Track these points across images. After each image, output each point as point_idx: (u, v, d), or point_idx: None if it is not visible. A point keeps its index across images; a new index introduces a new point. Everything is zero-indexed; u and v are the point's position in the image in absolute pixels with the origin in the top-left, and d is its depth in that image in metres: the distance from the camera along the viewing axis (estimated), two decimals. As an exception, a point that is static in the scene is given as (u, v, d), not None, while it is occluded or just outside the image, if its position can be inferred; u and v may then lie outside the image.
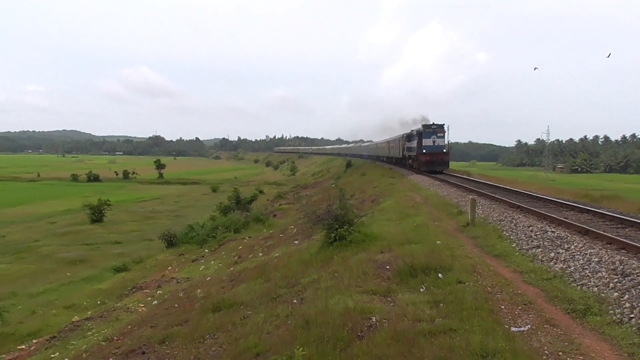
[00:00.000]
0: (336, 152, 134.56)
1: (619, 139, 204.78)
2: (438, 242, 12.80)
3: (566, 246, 11.44)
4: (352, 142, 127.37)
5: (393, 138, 62.18)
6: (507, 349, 6.06)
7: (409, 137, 48.16)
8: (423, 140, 40.76)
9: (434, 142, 40.53)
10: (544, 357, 6.07)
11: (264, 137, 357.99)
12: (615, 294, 8.09)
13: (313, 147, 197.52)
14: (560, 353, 6.21)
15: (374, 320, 7.66)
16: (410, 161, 48.18)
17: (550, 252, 11.22)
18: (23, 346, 15.94)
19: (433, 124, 41.63)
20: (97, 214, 46.97)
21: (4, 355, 14.60)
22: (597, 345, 6.45)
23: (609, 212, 16.32)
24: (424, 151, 40.63)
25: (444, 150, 41.11)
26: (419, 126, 43.52)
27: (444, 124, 41.53)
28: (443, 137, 40.98)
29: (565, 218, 14.91)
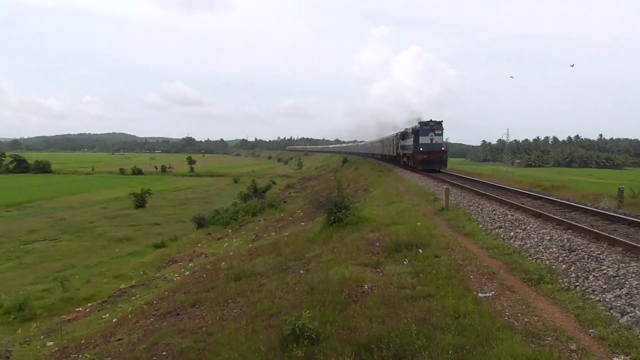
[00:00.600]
0: (337, 150, 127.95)
1: (565, 139, 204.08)
2: (418, 223, 12.73)
3: (523, 227, 11.36)
4: (349, 142, 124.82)
5: (387, 137, 53.20)
6: (475, 311, 6.02)
7: (403, 135, 40.02)
8: (420, 137, 33.02)
9: (431, 139, 32.81)
10: (506, 318, 6.02)
11: (276, 138, 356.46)
12: (564, 266, 8.03)
13: (318, 146, 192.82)
14: (518, 314, 6.17)
15: (366, 287, 7.61)
16: (405, 159, 39.80)
17: (510, 232, 11.15)
18: (80, 308, 15.97)
19: (431, 120, 33.45)
20: (140, 201, 46.98)
21: (64, 316, 14.63)
22: (548, 308, 6.40)
23: (558, 199, 16.21)
24: (421, 149, 32.86)
25: (442, 149, 33.16)
26: (416, 124, 35.36)
27: (442, 121, 33.36)
28: (441, 134, 33.08)
29: (522, 204, 14.80)
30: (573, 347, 5.12)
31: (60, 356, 10.60)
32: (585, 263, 7.87)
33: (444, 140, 33.58)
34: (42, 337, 13.09)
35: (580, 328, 5.69)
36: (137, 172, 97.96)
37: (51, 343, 12.24)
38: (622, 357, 4.87)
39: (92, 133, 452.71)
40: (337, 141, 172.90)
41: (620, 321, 5.66)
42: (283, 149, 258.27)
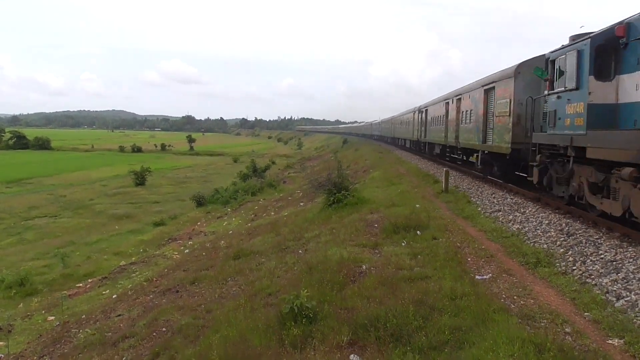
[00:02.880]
0: (348, 131, 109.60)
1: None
2: (417, 205, 12.74)
3: (522, 210, 11.37)
4: (349, 122, 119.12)
5: (435, 101, 26.11)
6: (472, 293, 6.05)
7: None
8: None
9: None
10: (502, 300, 6.06)
11: (276, 118, 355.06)
12: (561, 250, 8.05)
13: (327, 127, 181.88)
14: (515, 297, 6.21)
15: (364, 268, 7.66)
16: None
17: (509, 215, 11.16)
18: (80, 284, 16.13)
19: None
20: (140, 179, 46.96)
21: (65, 291, 14.78)
22: (545, 291, 6.44)
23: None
24: None
25: None
26: None
27: None
28: None
29: (521, 187, 14.76)
30: (568, 329, 5.16)
31: (61, 330, 10.75)
32: (583, 247, 7.89)
33: None
34: (43, 311, 13.26)
35: (575, 311, 5.73)
36: (137, 150, 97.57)
37: (52, 318, 12.41)
38: (616, 341, 4.92)
39: (91, 110, 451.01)
40: (337, 122, 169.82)
41: (615, 305, 5.70)
42: (283, 128, 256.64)
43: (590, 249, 7.73)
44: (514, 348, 4.47)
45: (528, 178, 12.60)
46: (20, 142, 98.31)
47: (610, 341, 4.93)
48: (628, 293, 5.90)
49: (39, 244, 24.17)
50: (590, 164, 9.02)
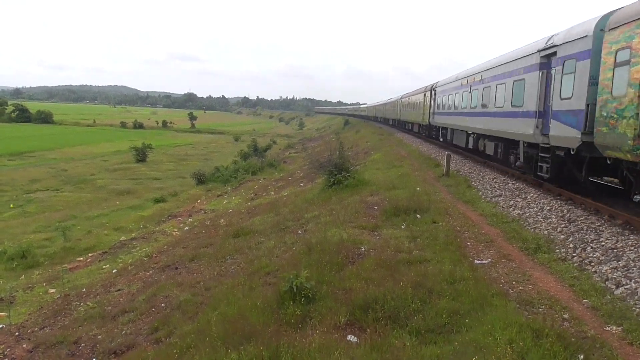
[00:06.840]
0: (372, 114, 76.65)
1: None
2: (418, 188, 12.67)
3: (523, 196, 11.27)
4: (350, 104, 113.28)
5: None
6: (471, 277, 6.03)
7: None
8: None
9: None
10: (501, 285, 6.04)
11: (277, 98, 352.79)
12: (562, 236, 7.99)
13: (349, 107, 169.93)
14: (514, 282, 6.18)
15: (363, 249, 7.63)
16: None
17: (510, 201, 11.08)
18: (81, 258, 16.17)
19: None
20: (141, 155, 46.79)
21: (66, 265, 14.83)
22: (544, 277, 6.40)
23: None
24: None
25: None
26: None
27: None
28: None
29: (523, 173, 14.65)
30: (566, 316, 5.13)
31: (62, 303, 10.80)
32: (583, 234, 7.82)
33: None
34: (44, 284, 13.31)
35: (574, 298, 5.70)
36: (138, 126, 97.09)
37: (53, 290, 12.46)
38: (614, 328, 4.89)
39: (93, 85, 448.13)
40: (339, 102, 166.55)
41: (615, 293, 5.67)
42: (285, 108, 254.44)
43: (591, 236, 7.66)
44: (511, 333, 4.45)
45: None
46: (23, 115, 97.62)
47: (608, 328, 4.91)
48: (628, 281, 5.85)
49: (41, 217, 24.20)
50: None
